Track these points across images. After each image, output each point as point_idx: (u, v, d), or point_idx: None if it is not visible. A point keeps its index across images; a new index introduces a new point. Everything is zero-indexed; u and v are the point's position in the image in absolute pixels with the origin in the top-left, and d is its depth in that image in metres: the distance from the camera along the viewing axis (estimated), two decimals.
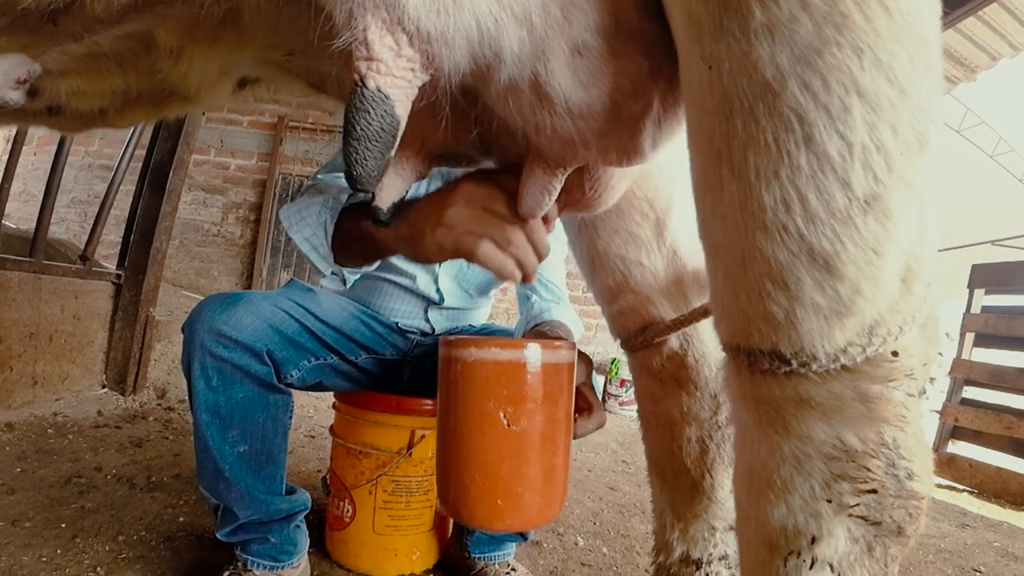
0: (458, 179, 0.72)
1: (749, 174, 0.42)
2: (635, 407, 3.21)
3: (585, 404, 0.86)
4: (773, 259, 0.43)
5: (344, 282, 0.97)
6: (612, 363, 4.84)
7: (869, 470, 0.46)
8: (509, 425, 0.60)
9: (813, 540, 0.47)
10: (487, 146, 0.67)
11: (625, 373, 4.71)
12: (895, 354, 0.45)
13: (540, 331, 1.18)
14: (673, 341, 0.81)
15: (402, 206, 0.76)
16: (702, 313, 0.75)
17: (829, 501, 0.47)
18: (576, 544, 1.82)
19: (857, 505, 0.46)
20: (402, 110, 0.48)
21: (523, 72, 0.49)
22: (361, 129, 0.46)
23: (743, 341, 0.48)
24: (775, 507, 0.49)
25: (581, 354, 0.85)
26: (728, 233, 0.45)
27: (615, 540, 1.89)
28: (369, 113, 0.46)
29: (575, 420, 0.79)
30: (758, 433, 0.50)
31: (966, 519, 2.78)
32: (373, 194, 0.67)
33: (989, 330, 4.04)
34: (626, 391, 4.68)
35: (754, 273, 0.44)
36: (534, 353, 0.62)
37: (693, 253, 0.82)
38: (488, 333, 1.50)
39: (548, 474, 0.63)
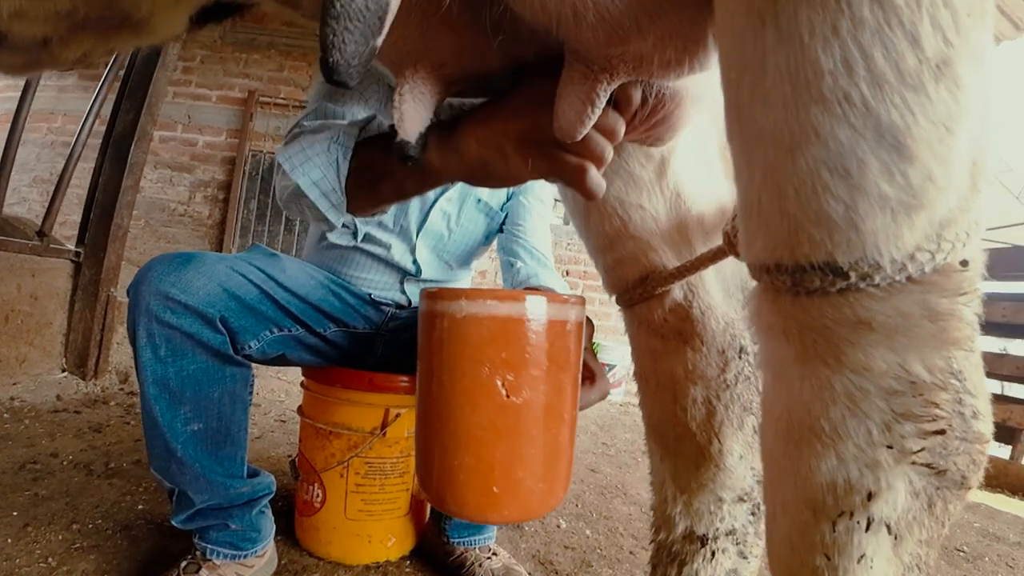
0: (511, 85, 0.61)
1: (801, 34, 0.34)
2: (616, 390, 3.20)
3: (587, 372, 0.77)
4: (832, 138, 0.35)
5: (355, 235, 0.79)
6: (593, 346, 4.80)
7: (937, 406, 0.38)
8: (508, 396, 0.49)
9: (869, 496, 0.39)
10: (513, 62, 0.57)
11: (604, 356, 4.69)
12: (964, 264, 0.38)
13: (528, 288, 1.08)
14: (676, 292, 0.73)
15: (446, 125, 0.64)
16: (710, 258, 0.67)
17: (890, 447, 0.39)
18: (558, 527, 1.77)
19: (922, 451, 0.39)
20: None
21: None
22: (341, 5, 0.37)
23: (787, 255, 0.40)
24: (823, 459, 0.41)
25: (587, 321, 0.76)
26: (773, 115, 0.37)
27: (598, 522, 1.85)
28: None
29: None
30: (801, 369, 0.41)
31: None
32: (393, 129, 0.56)
33: None
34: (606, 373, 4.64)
35: (807, 160, 0.36)
36: (539, 307, 0.51)
37: (697, 196, 0.75)
38: None
39: (553, 455, 0.53)
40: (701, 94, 0.58)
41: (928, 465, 0.40)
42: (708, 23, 0.45)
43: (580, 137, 0.54)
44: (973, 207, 0.38)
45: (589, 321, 0.78)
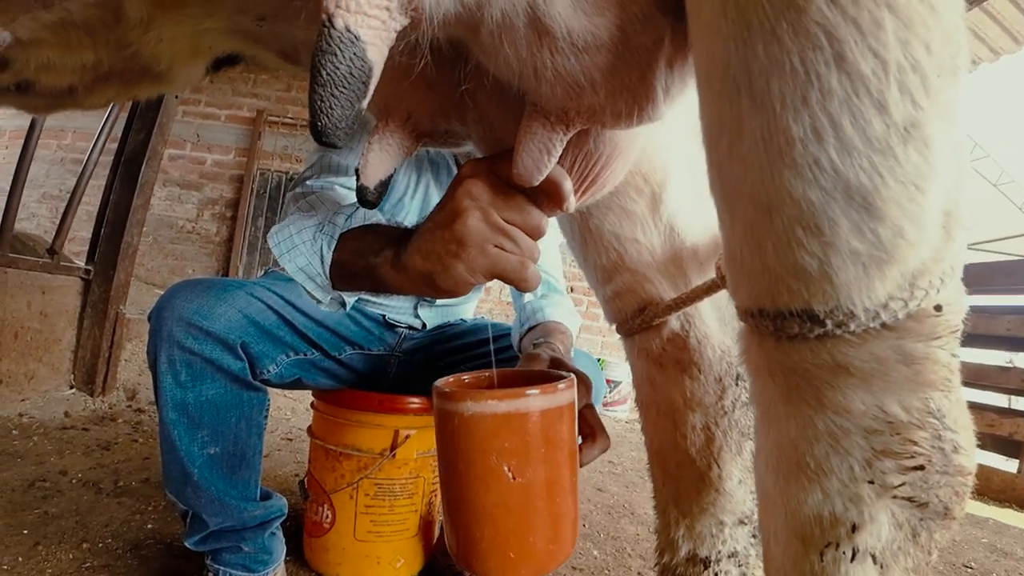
0: (456, 178, 0.64)
1: (774, 103, 0.37)
2: (621, 407, 3.20)
3: (588, 429, 0.79)
4: (804, 200, 0.38)
5: (343, 305, 0.87)
6: (598, 362, 4.81)
7: (915, 443, 0.40)
8: (514, 478, 0.57)
9: (854, 528, 0.42)
10: (479, 116, 0.61)
11: (609, 373, 4.70)
12: (938, 308, 0.41)
13: (531, 355, 1.07)
14: (673, 322, 0.76)
15: (406, 236, 0.69)
16: (705, 291, 0.70)
17: (871, 482, 0.41)
18: None
19: (902, 485, 0.41)
20: (375, 55, 0.42)
21: (518, 3, 0.43)
22: (328, 74, 0.40)
23: (768, 303, 0.42)
24: (809, 493, 0.43)
25: (580, 376, 0.79)
26: (750, 176, 0.40)
27: (605, 543, 1.85)
28: (336, 55, 0.40)
29: (580, 448, 0.73)
30: (787, 409, 0.44)
31: None
32: (359, 173, 0.61)
33: (969, 329, 4.07)
34: (610, 391, 4.67)
35: (782, 219, 0.39)
36: (533, 401, 0.59)
37: (690, 228, 0.77)
38: (481, 328, 1.43)
39: (558, 518, 0.61)
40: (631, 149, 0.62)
41: (909, 499, 0.42)
42: (656, 80, 0.48)
43: (537, 183, 0.57)
44: (947, 255, 0.40)
45: (587, 379, 0.81)
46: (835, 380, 0.41)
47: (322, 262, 0.82)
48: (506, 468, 0.57)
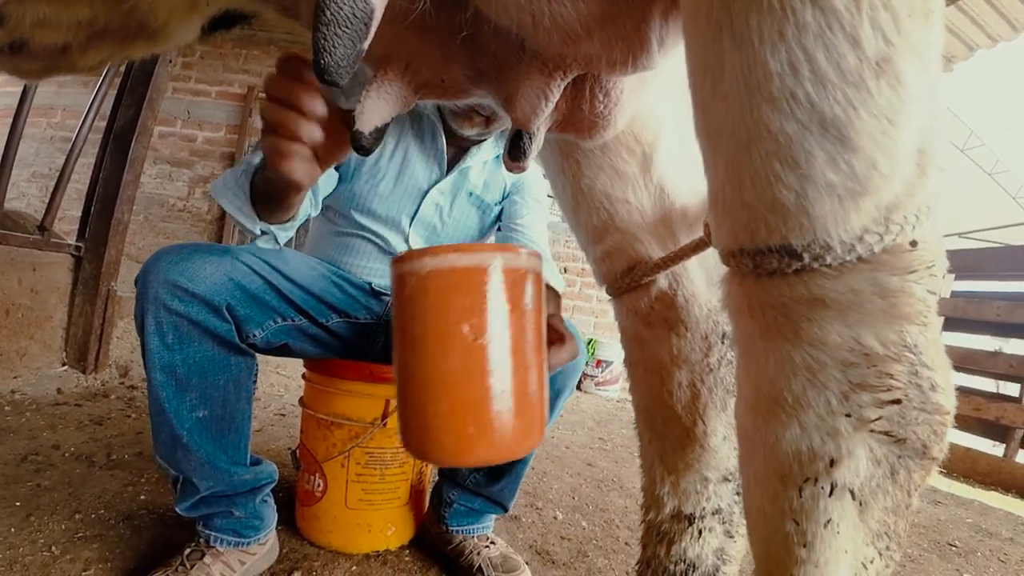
0: None
1: (752, 39, 0.37)
2: (612, 387, 3.24)
3: (557, 336, 0.83)
4: (781, 133, 0.38)
5: (276, 240, 0.98)
6: (588, 343, 4.85)
7: (891, 376, 0.41)
8: (474, 339, 0.52)
9: (832, 463, 0.43)
10: (478, 67, 0.61)
11: (601, 354, 4.75)
12: (913, 244, 0.41)
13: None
14: (661, 281, 0.76)
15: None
16: (692, 249, 0.71)
17: (848, 415, 0.42)
18: (555, 518, 1.79)
19: (879, 419, 0.42)
20: None
21: None
22: (331, 13, 0.42)
23: (747, 241, 0.43)
24: (787, 428, 0.44)
25: (549, 288, 0.81)
26: (731, 113, 0.40)
27: (594, 514, 1.88)
28: None
29: (548, 351, 0.72)
30: (765, 345, 0.45)
31: (937, 496, 2.83)
32: (354, 118, 0.60)
33: (958, 314, 4.13)
34: (602, 371, 4.74)
35: (760, 153, 0.39)
36: (494, 257, 0.54)
37: (680, 190, 0.78)
38: None
39: (523, 394, 0.55)
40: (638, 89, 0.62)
41: (887, 433, 0.43)
42: (651, 29, 0.49)
43: (535, 128, 0.58)
44: (921, 192, 0.41)
45: (555, 292, 0.83)
46: (812, 313, 0.42)
47: (244, 193, 0.96)
48: (465, 328, 0.52)
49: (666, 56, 0.53)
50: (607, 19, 0.47)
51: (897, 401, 0.42)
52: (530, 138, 0.60)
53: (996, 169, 12.54)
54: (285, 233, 0.96)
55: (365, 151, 0.64)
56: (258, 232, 0.98)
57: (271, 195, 0.92)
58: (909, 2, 0.36)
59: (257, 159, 1.00)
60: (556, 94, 0.55)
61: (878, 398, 0.42)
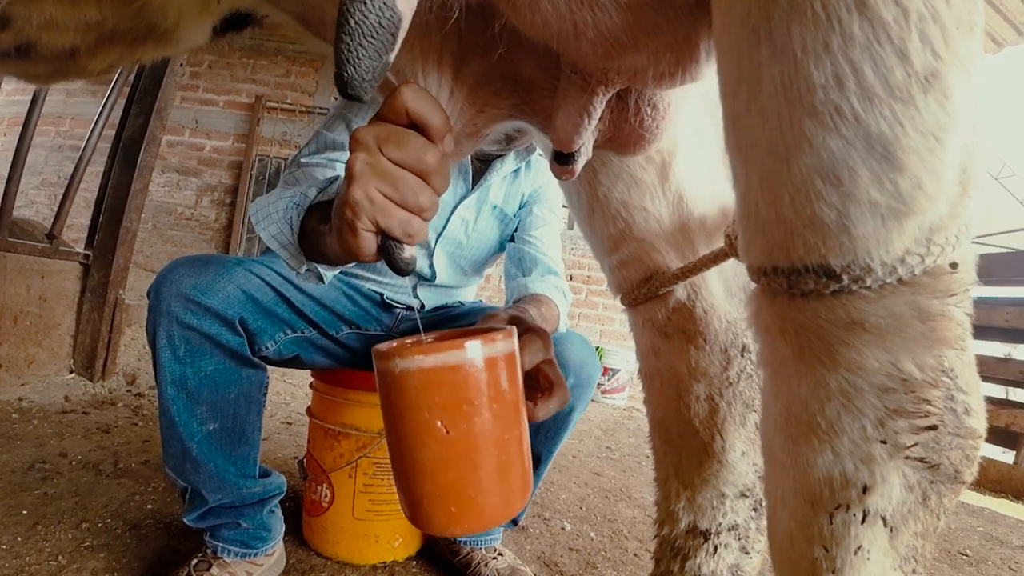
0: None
1: (794, 49, 0.36)
2: (619, 395, 3.21)
3: (547, 383, 0.76)
4: (824, 149, 0.37)
5: (320, 278, 0.86)
6: (596, 351, 4.81)
7: (928, 402, 0.40)
8: (448, 432, 0.56)
9: (865, 489, 0.41)
10: (513, 81, 0.58)
11: (607, 361, 4.71)
12: (954, 266, 0.40)
13: (489, 315, 1.06)
14: (680, 292, 0.75)
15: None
16: (712, 260, 0.69)
17: (883, 442, 0.41)
18: (563, 529, 1.78)
19: (915, 445, 0.40)
20: (404, 5, 0.40)
21: None
22: (356, 22, 0.39)
23: (783, 259, 0.41)
24: (819, 454, 0.43)
25: (539, 331, 0.77)
26: (768, 126, 0.39)
27: (602, 525, 1.86)
28: (366, 3, 0.39)
29: (536, 402, 0.73)
30: (798, 368, 0.43)
31: None
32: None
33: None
34: (609, 379, 4.68)
35: (800, 169, 0.38)
36: (462, 353, 0.56)
37: (699, 199, 0.76)
38: (478, 311, 1.43)
39: (502, 472, 0.59)
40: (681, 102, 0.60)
41: (921, 460, 0.41)
42: (701, 38, 0.48)
43: (577, 148, 0.55)
44: (963, 212, 0.39)
45: (545, 333, 0.78)
46: (850, 337, 0.40)
47: (292, 230, 0.83)
48: (439, 423, 0.55)
49: (711, 67, 0.51)
50: (656, 28, 0.45)
51: (933, 427, 0.41)
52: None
53: (1003, 174, 12.47)
54: (331, 273, 0.88)
55: None
56: (301, 271, 0.86)
57: (331, 258, 0.77)
58: (957, 14, 0.35)
59: (313, 193, 0.86)
60: (599, 110, 0.53)
61: (914, 424, 0.40)
